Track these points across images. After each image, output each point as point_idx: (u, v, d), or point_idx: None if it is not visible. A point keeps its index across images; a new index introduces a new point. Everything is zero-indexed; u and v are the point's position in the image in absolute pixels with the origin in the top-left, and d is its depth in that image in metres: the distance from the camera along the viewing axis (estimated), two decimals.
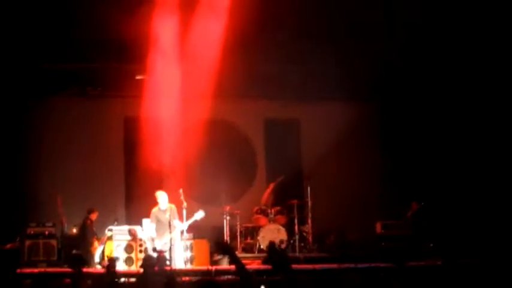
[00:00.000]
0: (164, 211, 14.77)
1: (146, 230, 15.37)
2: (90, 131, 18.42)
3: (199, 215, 14.82)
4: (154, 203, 14.99)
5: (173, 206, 14.86)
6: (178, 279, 12.93)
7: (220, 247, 9.95)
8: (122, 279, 13.61)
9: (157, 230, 14.88)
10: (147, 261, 13.09)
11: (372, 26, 16.40)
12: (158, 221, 14.82)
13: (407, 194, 17.83)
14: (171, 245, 14.64)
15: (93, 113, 18.61)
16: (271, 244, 8.41)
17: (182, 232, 14.96)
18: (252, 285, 7.41)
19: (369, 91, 18.72)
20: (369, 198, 18.68)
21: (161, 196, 14.88)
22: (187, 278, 13.43)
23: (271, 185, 18.05)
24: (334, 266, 14.16)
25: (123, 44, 16.29)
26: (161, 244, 14.63)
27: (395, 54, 16.91)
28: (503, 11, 16.02)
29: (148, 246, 14.97)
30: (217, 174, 17.54)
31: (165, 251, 14.38)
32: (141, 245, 15.49)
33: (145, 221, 15.51)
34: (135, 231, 15.75)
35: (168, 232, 14.63)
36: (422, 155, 18.72)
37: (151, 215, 14.94)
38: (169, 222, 14.60)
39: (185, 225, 14.88)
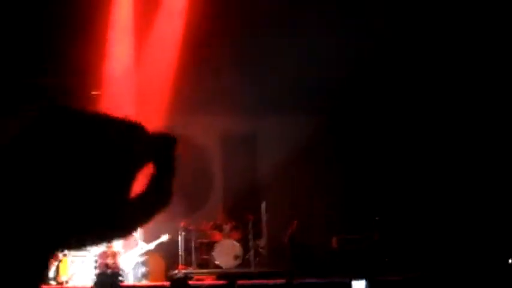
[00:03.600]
0: None
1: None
2: None
3: (165, 237, 15.07)
4: None
5: None
6: None
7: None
8: None
9: (122, 246, 15.10)
10: (101, 279, 13.15)
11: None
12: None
13: (365, 208, 17.99)
14: (133, 261, 14.92)
15: None
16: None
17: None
18: None
19: (323, 104, 18.72)
20: (325, 212, 18.73)
21: None
22: None
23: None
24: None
25: (77, 59, 16.25)
26: (123, 261, 14.84)
27: (346, 65, 16.94)
28: (451, 22, 16.27)
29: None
30: (173, 189, 17.52)
31: (119, 268, 14.53)
32: (96, 261, 15.46)
33: None
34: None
35: (130, 249, 14.90)
36: (379, 169, 18.81)
37: None
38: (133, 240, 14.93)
39: (151, 246, 15.17)
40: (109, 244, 15.34)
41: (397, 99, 18.11)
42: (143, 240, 15.61)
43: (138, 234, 15.05)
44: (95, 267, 15.32)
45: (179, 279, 14.19)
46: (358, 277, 14.56)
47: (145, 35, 17.17)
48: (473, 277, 13.87)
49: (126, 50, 17.33)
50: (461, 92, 17.09)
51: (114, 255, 15.19)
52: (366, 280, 13.04)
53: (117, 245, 15.21)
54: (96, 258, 15.39)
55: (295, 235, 17.41)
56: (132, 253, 15.25)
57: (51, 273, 15.84)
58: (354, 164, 19.15)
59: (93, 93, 17.65)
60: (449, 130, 17.33)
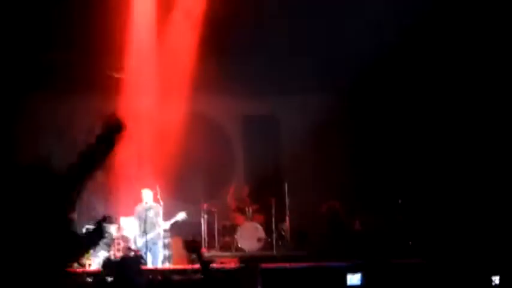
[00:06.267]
0: (147, 209, 14.78)
1: (128, 227, 15.33)
2: (64, 126, 18.14)
3: (181, 216, 14.84)
4: (134, 201, 15.03)
5: (158, 204, 14.92)
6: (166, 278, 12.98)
7: (188, 246, 10.04)
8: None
9: (139, 227, 14.89)
10: (125, 262, 13.01)
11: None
12: (140, 219, 14.84)
13: (387, 188, 17.81)
14: (151, 243, 14.72)
15: (75, 109, 18.31)
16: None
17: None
18: (214, 284, 7.45)
19: (345, 83, 18.48)
20: (348, 193, 18.47)
21: (146, 194, 14.92)
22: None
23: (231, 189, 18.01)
24: (311, 264, 14.12)
25: (101, 40, 16.13)
26: (142, 242, 14.64)
27: (368, 46, 16.72)
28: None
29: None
30: (195, 171, 17.49)
31: (141, 250, 14.42)
32: (118, 244, 15.31)
33: (123, 219, 15.48)
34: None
35: (150, 230, 14.69)
36: (402, 150, 18.54)
37: (135, 212, 14.99)
38: (152, 221, 14.72)
39: (166, 224, 14.92)
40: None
41: (422, 79, 17.81)
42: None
43: (156, 217, 14.94)
44: (118, 250, 15.13)
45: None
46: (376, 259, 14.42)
47: (166, 15, 17.06)
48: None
49: (147, 31, 17.22)
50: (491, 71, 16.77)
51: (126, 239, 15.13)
52: (362, 273, 12.88)
53: (134, 227, 15.11)
54: (119, 241, 15.21)
55: (336, 216, 17.18)
56: (149, 235, 15.01)
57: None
58: (376, 145, 18.91)
59: (116, 75, 17.41)
60: (480, 114, 16.97)
